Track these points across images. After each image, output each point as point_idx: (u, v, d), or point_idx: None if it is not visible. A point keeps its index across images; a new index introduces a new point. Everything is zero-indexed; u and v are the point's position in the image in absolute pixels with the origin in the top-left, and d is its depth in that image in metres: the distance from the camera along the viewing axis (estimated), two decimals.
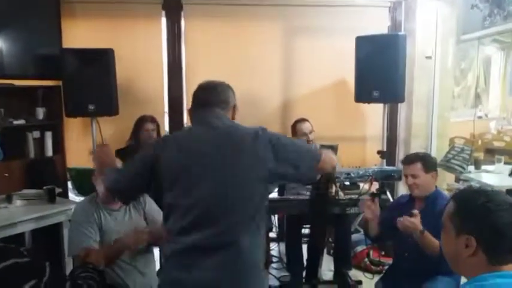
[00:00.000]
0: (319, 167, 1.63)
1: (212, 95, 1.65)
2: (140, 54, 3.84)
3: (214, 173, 1.52)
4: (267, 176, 1.55)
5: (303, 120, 3.56)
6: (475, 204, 1.14)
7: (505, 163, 3.85)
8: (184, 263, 1.51)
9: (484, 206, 1.12)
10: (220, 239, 1.49)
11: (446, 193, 2.95)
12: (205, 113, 1.63)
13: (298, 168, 1.58)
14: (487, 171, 3.70)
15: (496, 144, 4.89)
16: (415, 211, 2.12)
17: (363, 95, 3.52)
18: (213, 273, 1.49)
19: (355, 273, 3.15)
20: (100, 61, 3.34)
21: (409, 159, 2.39)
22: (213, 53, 3.93)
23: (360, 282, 3.02)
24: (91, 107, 3.31)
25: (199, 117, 1.65)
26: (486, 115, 6.58)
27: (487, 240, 1.10)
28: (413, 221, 2.08)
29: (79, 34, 3.75)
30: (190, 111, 1.69)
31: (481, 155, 4.45)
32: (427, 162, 2.34)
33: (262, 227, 1.61)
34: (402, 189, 3.70)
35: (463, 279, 1.17)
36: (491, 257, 1.10)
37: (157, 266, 2.47)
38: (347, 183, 3.49)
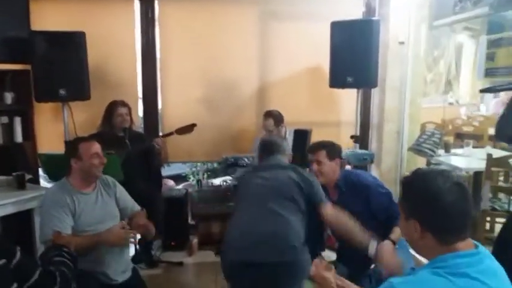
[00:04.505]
0: None
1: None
2: (113, 37, 3.76)
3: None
4: None
5: (267, 116, 3.59)
6: (415, 189, 1.16)
7: (474, 147, 3.99)
8: None
9: (424, 189, 1.13)
10: None
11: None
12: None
13: None
14: (456, 155, 3.82)
15: (466, 129, 5.02)
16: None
17: (337, 80, 3.56)
18: None
19: (328, 254, 3.20)
20: (71, 44, 3.27)
21: (314, 147, 2.47)
22: (188, 37, 3.88)
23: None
24: (62, 91, 3.24)
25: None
26: (457, 101, 6.75)
27: (430, 223, 1.12)
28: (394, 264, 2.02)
29: (49, 16, 3.64)
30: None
31: (451, 139, 4.57)
32: (331, 150, 2.43)
33: None
34: (375, 174, 3.77)
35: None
36: (439, 238, 1.11)
37: (132, 251, 2.45)
38: None
